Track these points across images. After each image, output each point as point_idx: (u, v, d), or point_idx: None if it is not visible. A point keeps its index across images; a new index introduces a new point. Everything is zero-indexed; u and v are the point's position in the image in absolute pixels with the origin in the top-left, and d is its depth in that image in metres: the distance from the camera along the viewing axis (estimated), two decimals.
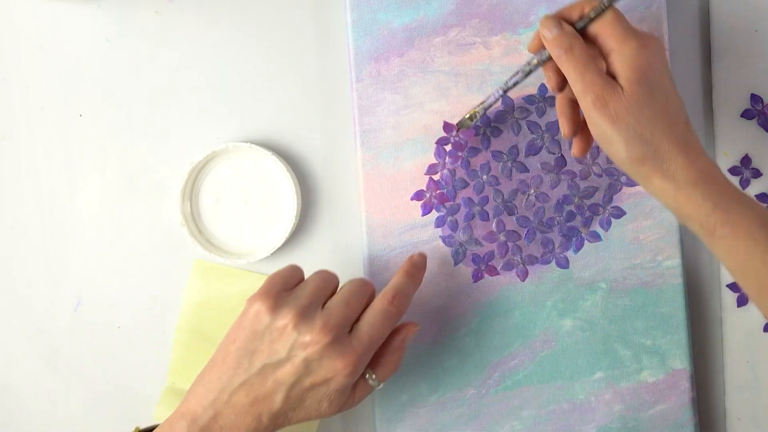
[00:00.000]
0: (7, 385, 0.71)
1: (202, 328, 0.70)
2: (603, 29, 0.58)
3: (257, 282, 0.68)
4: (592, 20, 0.59)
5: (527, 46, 0.63)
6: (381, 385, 0.63)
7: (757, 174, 0.72)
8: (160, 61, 0.70)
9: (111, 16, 0.70)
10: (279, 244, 0.69)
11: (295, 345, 0.58)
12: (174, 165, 0.70)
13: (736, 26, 0.72)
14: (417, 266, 0.65)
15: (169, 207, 0.70)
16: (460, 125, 0.67)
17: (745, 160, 0.72)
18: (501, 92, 0.64)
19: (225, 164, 0.69)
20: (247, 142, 0.69)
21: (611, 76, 0.58)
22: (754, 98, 0.72)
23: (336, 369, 0.59)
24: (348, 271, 0.70)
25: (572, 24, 0.59)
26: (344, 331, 0.60)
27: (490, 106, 0.65)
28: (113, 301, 0.71)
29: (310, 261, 0.70)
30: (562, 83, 0.62)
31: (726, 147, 0.72)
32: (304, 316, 0.59)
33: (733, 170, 0.72)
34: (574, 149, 0.64)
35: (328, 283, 0.62)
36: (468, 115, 0.66)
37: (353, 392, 0.62)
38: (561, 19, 0.60)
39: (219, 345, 0.61)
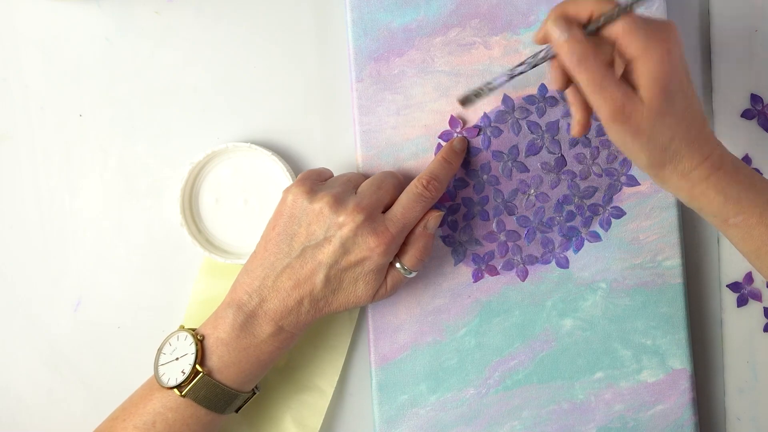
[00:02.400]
0: (7, 385, 0.71)
1: None
2: (622, 36, 0.55)
3: None
4: (603, 26, 0.56)
5: (533, 37, 0.60)
6: (413, 274, 0.65)
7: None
8: (160, 61, 0.70)
9: (111, 16, 0.70)
10: None
11: (331, 226, 0.61)
12: (174, 165, 0.70)
13: (736, 26, 0.73)
14: (456, 151, 0.67)
15: (169, 207, 0.71)
16: (466, 100, 0.62)
17: (745, 160, 0.73)
18: (506, 77, 0.61)
19: (225, 164, 0.69)
20: (247, 142, 0.69)
21: (629, 80, 0.56)
22: (754, 98, 0.73)
23: (370, 247, 0.61)
24: None
25: (582, 23, 0.56)
26: (377, 211, 0.63)
27: (495, 88, 0.62)
28: (113, 302, 0.71)
29: None
30: (568, 83, 0.60)
31: (726, 147, 0.72)
32: (338, 198, 0.62)
33: None
34: (575, 130, 0.62)
35: (358, 176, 0.66)
36: (474, 92, 0.62)
37: (386, 280, 0.64)
38: (568, 17, 0.56)
39: (260, 237, 0.64)
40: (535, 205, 0.69)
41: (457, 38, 0.69)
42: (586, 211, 0.70)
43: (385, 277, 0.64)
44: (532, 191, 0.69)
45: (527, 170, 0.69)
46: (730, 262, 0.73)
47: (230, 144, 0.68)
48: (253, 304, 0.62)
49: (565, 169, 0.69)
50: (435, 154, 0.68)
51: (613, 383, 0.70)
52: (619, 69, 0.58)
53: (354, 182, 0.65)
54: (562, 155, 0.69)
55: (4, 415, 0.71)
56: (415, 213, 0.63)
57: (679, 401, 0.70)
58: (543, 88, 0.69)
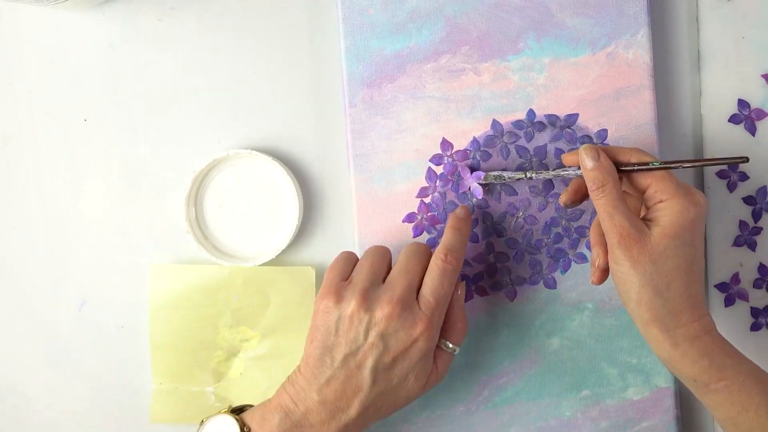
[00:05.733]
0: (13, 384, 0.72)
1: (174, 328, 0.71)
2: (657, 181, 0.61)
3: (216, 273, 0.71)
4: (638, 171, 0.62)
5: (563, 156, 0.66)
6: (458, 350, 0.65)
7: (744, 177, 0.73)
8: (163, 67, 0.71)
9: (114, 23, 0.71)
10: (283, 247, 0.70)
11: (369, 326, 0.60)
12: (175, 168, 0.72)
13: (724, 34, 0.73)
14: (461, 219, 0.67)
15: (170, 209, 0.72)
16: (486, 179, 0.68)
17: (733, 165, 0.73)
18: (527, 176, 0.67)
19: (227, 171, 0.71)
20: (247, 147, 0.70)
21: (649, 220, 0.61)
22: (741, 103, 0.73)
23: (412, 336, 0.60)
24: None
25: (617, 163, 0.62)
26: (411, 298, 0.62)
27: (511, 179, 0.67)
28: (116, 302, 0.72)
29: (314, 262, 0.72)
30: (575, 201, 0.66)
31: (714, 151, 0.73)
32: (368, 296, 0.61)
33: (721, 174, 0.73)
34: (595, 277, 0.64)
35: (382, 259, 0.64)
36: (494, 175, 0.68)
37: (435, 364, 0.63)
38: (603, 152, 0.62)
39: (304, 350, 0.63)
40: (523, 227, 0.70)
41: (447, 65, 0.70)
42: (573, 233, 0.70)
43: (435, 362, 0.63)
44: (521, 214, 0.70)
45: (516, 193, 0.70)
46: (718, 262, 0.74)
47: (231, 151, 0.69)
48: (298, 414, 0.61)
49: (552, 192, 0.70)
50: (426, 178, 0.69)
51: (600, 401, 0.71)
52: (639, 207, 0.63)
53: (378, 267, 0.64)
54: (549, 179, 0.70)
55: (10, 412, 0.73)
56: (444, 289, 0.62)
57: (663, 418, 0.71)
58: (531, 113, 0.70)
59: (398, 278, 0.62)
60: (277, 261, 0.71)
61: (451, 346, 0.64)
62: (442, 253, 0.63)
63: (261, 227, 0.71)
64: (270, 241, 0.71)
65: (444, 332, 0.64)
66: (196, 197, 0.71)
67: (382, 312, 0.60)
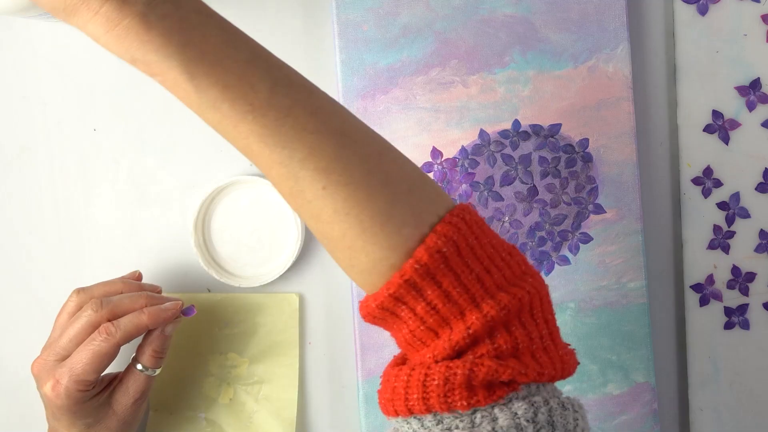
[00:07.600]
0: (28, 379, 0.71)
1: (169, 356, 0.71)
2: None
3: (206, 301, 0.73)
4: None
5: None
6: (157, 371, 0.67)
7: (718, 184, 0.76)
8: None
9: None
10: (286, 267, 0.73)
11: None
12: (180, 176, 0.74)
13: (699, 48, 0.75)
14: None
15: (175, 215, 0.74)
16: None
17: (707, 171, 0.76)
18: None
19: (233, 196, 0.73)
20: (253, 175, 0.72)
21: None
22: (716, 114, 0.75)
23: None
24: (340, 292, 0.75)
25: None
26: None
27: None
28: None
29: (314, 281, 0.75)
30: None
31: (690, 159, 0.76)
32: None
33: (696, 180, 0.76)
34: None
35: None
36: None
37: (127, 385, 0.66)
38: None
39: None
40: (509, 231, 0.72)
41: (437, 77, 0.72)
42: (556, 237, 0.73)
43: (127, 383, 0.66)
44: (507, 218, 0.73)
45: (502, 199, 0.72)
46: (693, 264, 0.76)
47: (235, 177, 0.71)
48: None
49: (536, 198, 0.72)
50: None
51: (582, 395, 0.73)
52: None
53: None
54: (533, 185, 0.72)
55: (24, 408, 0.75)
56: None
57: (642, 412, 0.73)
58: (516, 123, 0.72)
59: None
60: (280, 280, 0.73)
61: (146, 367, 0.67)
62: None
63: (265, 249, 0.73)
64: (273, 261, 0.73)
65: (140, 354, 0.67)
66: (203, 221, 0.73)
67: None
